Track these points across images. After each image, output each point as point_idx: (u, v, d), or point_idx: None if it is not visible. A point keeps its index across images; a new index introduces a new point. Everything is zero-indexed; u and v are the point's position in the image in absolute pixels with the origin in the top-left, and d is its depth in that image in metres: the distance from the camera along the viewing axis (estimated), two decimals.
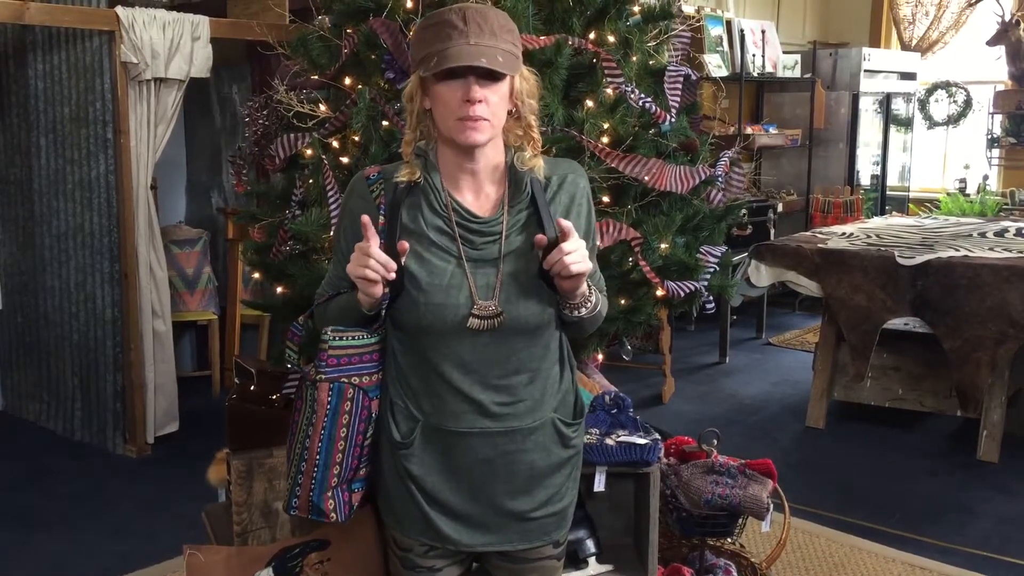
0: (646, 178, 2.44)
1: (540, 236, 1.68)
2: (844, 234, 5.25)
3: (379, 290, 1.69)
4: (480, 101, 1.64)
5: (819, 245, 4.86)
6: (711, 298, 2.65)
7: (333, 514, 1.85)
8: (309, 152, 2.41)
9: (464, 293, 1.71)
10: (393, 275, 1.67)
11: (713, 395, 5.60)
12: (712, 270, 2.64)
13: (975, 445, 4.55)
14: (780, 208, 7.22)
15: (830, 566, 3.48)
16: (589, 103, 2.46)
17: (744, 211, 2.83)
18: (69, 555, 3.51)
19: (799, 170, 7.87)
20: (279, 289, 2.58)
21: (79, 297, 4.61)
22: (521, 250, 1.75)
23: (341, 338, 1.80)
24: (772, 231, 6.74)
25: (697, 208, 2.61)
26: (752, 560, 2.75)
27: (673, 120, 2.54)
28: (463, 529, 1.81)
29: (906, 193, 8.73)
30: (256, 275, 2.65)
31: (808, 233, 5.48)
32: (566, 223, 1.66)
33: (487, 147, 1.73)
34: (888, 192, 8.52)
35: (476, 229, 1.74)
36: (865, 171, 8.25)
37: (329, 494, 1.84)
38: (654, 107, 2.51)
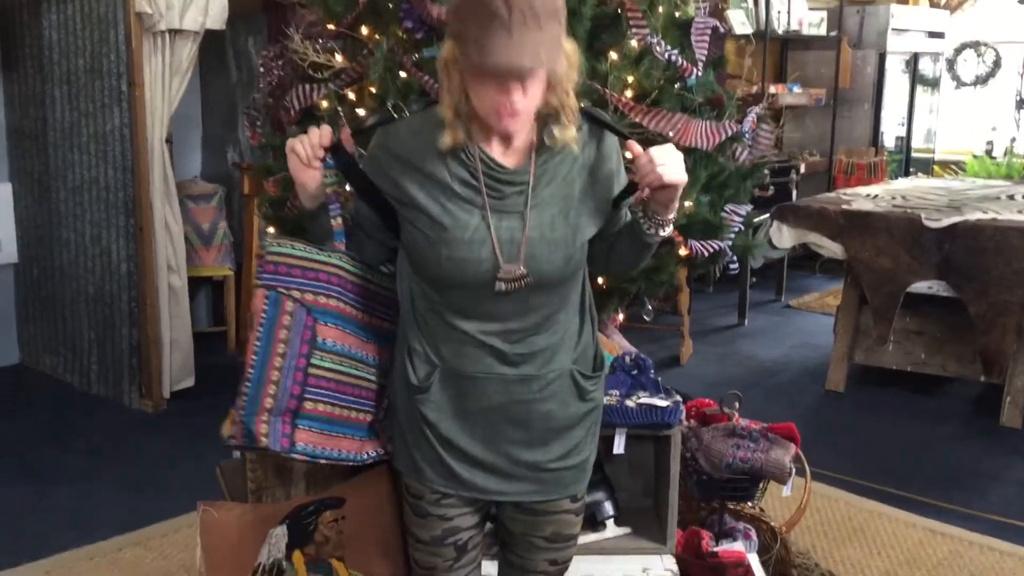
0: (671, 133, 2.37)
1: (632, 143, 1.68)
2: (869, 195, 5.15)
3: (307, 176, 1.69)
4: (519, 97, 1.58)
5: (843, 206, 4.77)
6: (734, 258, 2.59)
7: (264, 439, 1.73)
8: (325, 104, 2.34)
9: (487, 248, 1.67)
10: (317, 163, 1.68)
11: (731, 357, 5.55)
12: (737, 230, 2.57)
13: (998, 411, 4.49)
14: (802, 169, 7.11)
15: (849, 530, 3.44)
16: (613, 55, 2.38)
17: (768, 170, 2.74)
18: (85, 509, 3.52)
19: (822, 130, 7.74)
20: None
21: (94, 251, 4.58)
22: (549, 202, 1.70)
23: (280, 244, 1.75)
24: (794, 192, 6.64)
25: (723, 166, 2.54)
26: (772, 524, 2.71)
27: (700, 74, 2.46)
28: (479, 474, 1.79)
29: (931, 155, 8.59)
30: (271, 229, 2.60)
31: (832, 194, 5.39)
32: (634, 144, 1.67)
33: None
34: (913, 154, 8.38)
35: (503, 179, 1.69)
36: (890, 132, 8.10)
37: (264, 418, 1.74)
38: (680, 60, 2.42)
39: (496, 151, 1.70)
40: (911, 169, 8.18)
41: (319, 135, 1.72)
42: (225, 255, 5.44)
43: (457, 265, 1.66)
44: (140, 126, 4.30)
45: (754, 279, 6.60)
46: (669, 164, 1.65)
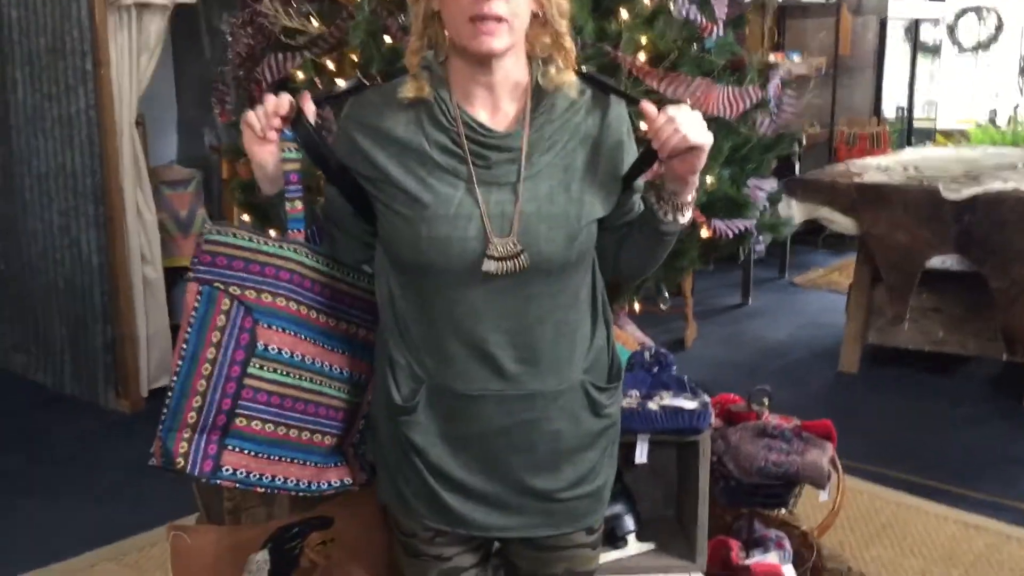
0: (689, 101, 2.09)
1: (646, 104, 1.42)
2: (880, 167, 4.90)
3: (263, 153, 1.47)
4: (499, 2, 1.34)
5: (855, 179, 4.52)
6: (760, 238, 2.34)
7: (181, 460, 1.46)
8: (301, 75, 2.08)
9: (474, 225, 1.41)
10: (273, 135, 1.46)
11: (737, 339, 5.31)
12: (762, 207, 2.32)
13: (1021, 390, 4.27)
14: (804, 141, 6.85)
15: (877, 526, 3.22)
16: (624, 13, 2.13)
17: (799, 139, 2.49)
18: (56, 523, 3.27)
19: (822, 100, 7.47)
20: (272, 233, 2.27)
21: (63, 242, 4.31)
22: (546, 172, 1.45)
23: (220, 232, 1.49)
24: (797, 165, 6.39)
25: (746, 136, 2.29)
26: (803, 529, 2.48)
27: (721, 33, 2.21)
28: (478, 509, 1.53)
29: (933, 124, 8.34)
30: (245, 217, 2.34)
31: (842, 166, 5.14)
32: (649, 105, 1.42)
33: (506, 58, 1.42)
34: (914, 123, 8.13)
35: (490, 144, 1.44)
36: (890, 101, 7.85)
37: (186, 435, 1.46)
38: (699, 18, 2.17)
39: (482, 115, 1.45)
40: (912, 139, 7.93)
41: (275, 103, 1.46)
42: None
43: (439, 245, 1.41)
44: (107, 108, 4.02)
45: (757, 256, 6.36)
46: (690, 123, 1.40)
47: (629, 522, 2.09)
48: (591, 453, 1.57)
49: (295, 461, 1.55)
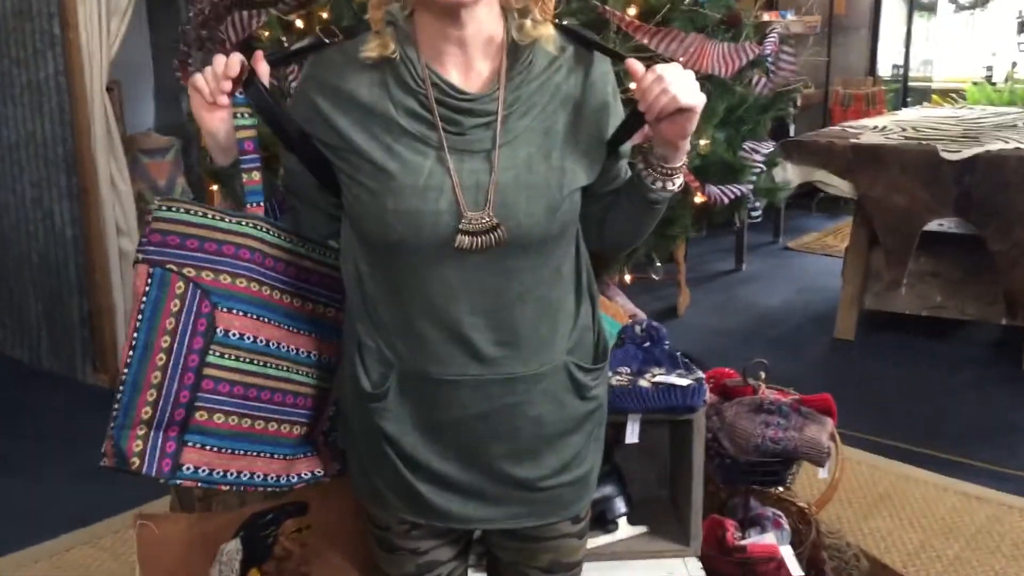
0: (682, 58, 1.99)
1: (632, 62, 1.30)
2: (876, 128, 4.78)
3: (214, 119, 1.35)
4: None
5: (851, 140, 4.40)
6: (757, 204, 2.23)
7: (136, 460, 1.33)
8: (267, 34, 1.94)
9: (446, 197, 1.29)
10: (224, 99, 1.33)
11: (731, 306, 5.21)
12: (758, 170, 2.20)
13: (1020, 355, 4.18)
14: (798, 101, 6.71)
15: (875, 497, 3.14)
16: None
17: (795, 98, 2.37)
18: (32, 503, 3.16)
19: (817, 60, 7.32)
20: (227, 207, 2.14)
21: (36, 214, 4.17)
22: (524, 137, 1.32)
23: (171, 207, 1.36)
24: (791, 127, 6.25)
25: (742, 96, 2.16)
26: (800, 505, 2.38)
27: None
28: (455, 499, 1.42)
29: (929, 84, 8.21)
30: (215, 187, 2.21)
31: (838, 127, 5.01)
32: (635, 62, 1.30)
33: (478, 8, 1.29)
34: (910, 83, 7.99)
35: (462, 107, 1.31)
36: (886, 61, 7.70)
37: (140, 432, 1.34)
38: None
39: (453, 75, 1.33)
40: (908, 99, 7.80)
41: (224, 64, 1.33)
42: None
43: (407, 220, 1.28)
44: (77, 74, 3.86)
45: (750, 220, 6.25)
46: (680, 82, 1.27)
47: (620, 505, 1.99)
48: (576, 438, 1.46)
49: (262, 455, 1.44)
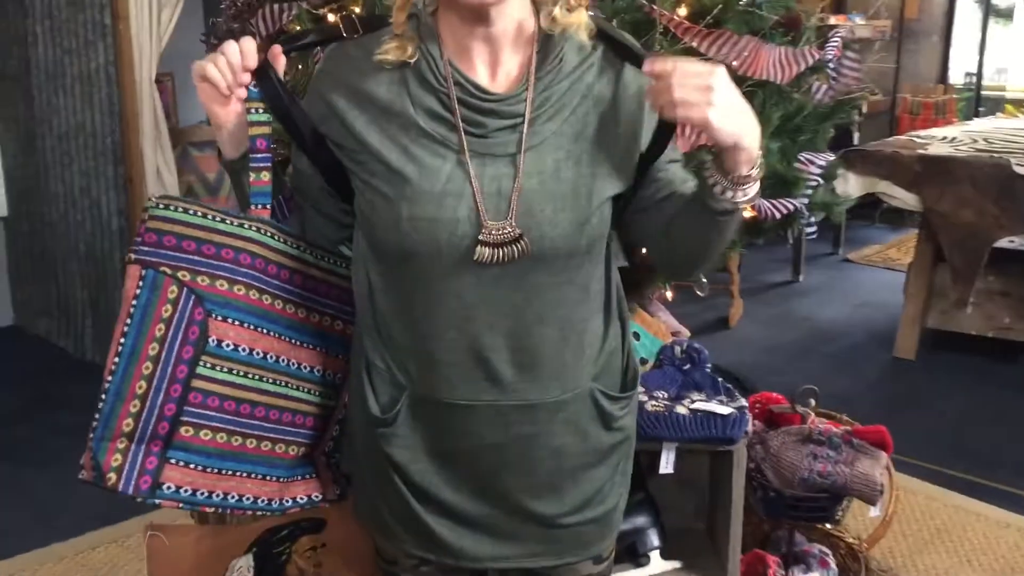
0: (736, 63, 1.86)
1: (651, 61, 1.14)
2: (946, 138, 4.57)
3: (227, 113, 1.24)
4: None
5: (919, 151, 4.20)
6: (812, 220, 2.08)
7: (112, 475, 1.24)
8: (297, 28, 1.86)
9: (466, 204, 1.19)
10: (242, 91, 1.22)
11: (786, 319, 5.03)
12: (815, 183, 2.06)
13: None
14: (864, 109, 6.49)
15: (931, 531, 2.97)
16: None
17: (859, 105, 2.21)
18: (61, 498, 3.13)
19: (884, 67, 7.08)
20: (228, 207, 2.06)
21: (84, 204, 4.17)
22: (552, 141, 1.21)
23: (168, 206, 1.27)
24: (856, 135, 6.04)
25: (800, 104, 2.02)
26: (850, 541, 2.24)
27: None
28: (468, 535, 1.32)
29: (1003, 93, 7.89)
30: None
31: (904, 137, 4.81)
32: (651, 63, 1.14)
33: (505, 4, 1.18)
34: (983, 92, 7.69)
35: (487, 108, 1.21)
36: (958, 68, 7.42)
37: (120, 446, 1.24)
38: None
39: (480, 72, 1.22)
40: (980, 108, 7.51)
41: (240, 53, 1.22)
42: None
43: (423, 228, 1.18)
44: (126, 65, 3.85)
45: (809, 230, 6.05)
46: (688, 85, 1.09)
47: (653, 537, 1.87)
48: (600, 471, 1.35)
49: (254, 476, 1.34)
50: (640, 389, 1.64)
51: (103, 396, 1.26)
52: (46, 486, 3.21)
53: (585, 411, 1.31)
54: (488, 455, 1.28)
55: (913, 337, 4.40)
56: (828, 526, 2.18)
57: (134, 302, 1.25)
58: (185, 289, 1.26)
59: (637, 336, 1.93)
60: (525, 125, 1.20)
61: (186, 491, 1.29)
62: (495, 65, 1.23)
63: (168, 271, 1.25)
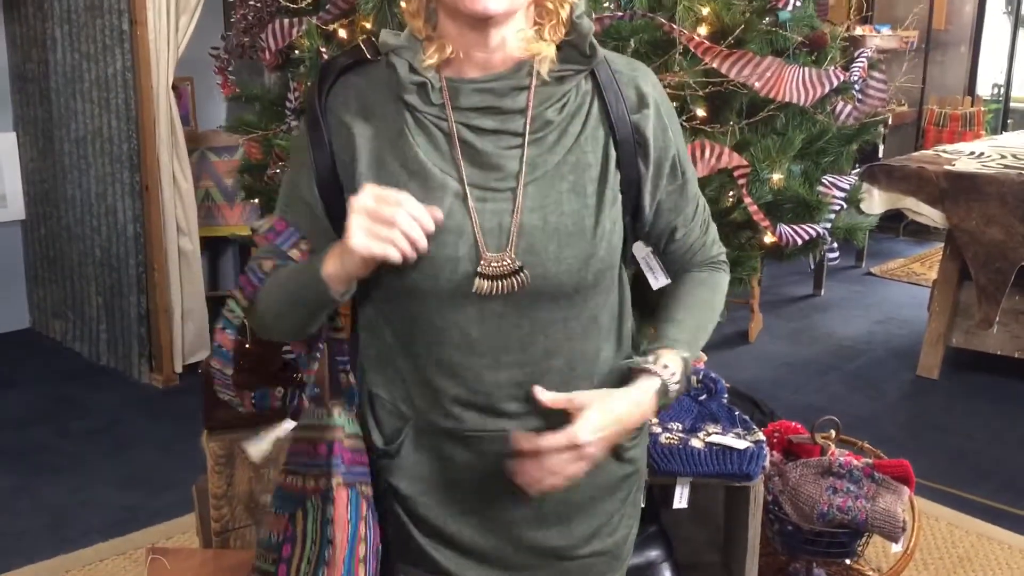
0: (758, 84, 1.81)
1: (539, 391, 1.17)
2: (973, 153, 4.48)
3: (370, 268, 1.11)
4: None
5: (945, 167, 4.12)
6: (835, 245, 2.03)
7: None
8: (306, 42, 1.82)
9: (466, 241, 1.14)
10: (413, 254, 1.08)
11: (806, 334, 4.95)
12: (837, 208, 2.00)
13: None
14: (889, 121, 6.39)
15: (954, 560, 2.89)
16: None
17: (883, 127, 2.15)
18: (71, 506, 3.12)
19: (911, 77, 6.97)
20: None
21: (100, 209, 4.16)
22: (554, 172, 1.17)
23: (353, 421, 1.23)
24: (881, 147, 5.95)
25: (824, 126, 1.97)
26: (869, 574, 2.18)
27: (798, 5, 1.88)
28: (471, 565, 1.27)
29: None
30: (256, 201, 2.10)
31: (929, 152, 4.72)
32: (577, 398, 1.17)
33: (507, 25, 1.15)
34: (1011, 104, 7.56)
35: (486, 131, 1.17)
36: (986, 80, 7.30)
37: None
38: None
39: (476, 97, 1.18)
40: (1008, 121, 7.38)
41: (423, 212, 1.09)
42: (252, 212, 4.95)
43: (423, 267, 1.13)
44: (143, 70, 3.83)
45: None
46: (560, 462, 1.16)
47: (665, 571, 1.81)
48: (609, 503, 1.31)
49: None
50: (653, 420, 1.60)
51: None
52: (55, 493, 3.20)
53: None
54: (493, 483, 1.23)
55: (936, 356, 4.31)
56: (848, 561, 2.12)
57: (349, 530, 1.18)
58: (368, 504, 1.22)
59: None
60: (524, 153, 1.16)
61: None
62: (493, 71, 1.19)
63: (359, 487, 1.22)
